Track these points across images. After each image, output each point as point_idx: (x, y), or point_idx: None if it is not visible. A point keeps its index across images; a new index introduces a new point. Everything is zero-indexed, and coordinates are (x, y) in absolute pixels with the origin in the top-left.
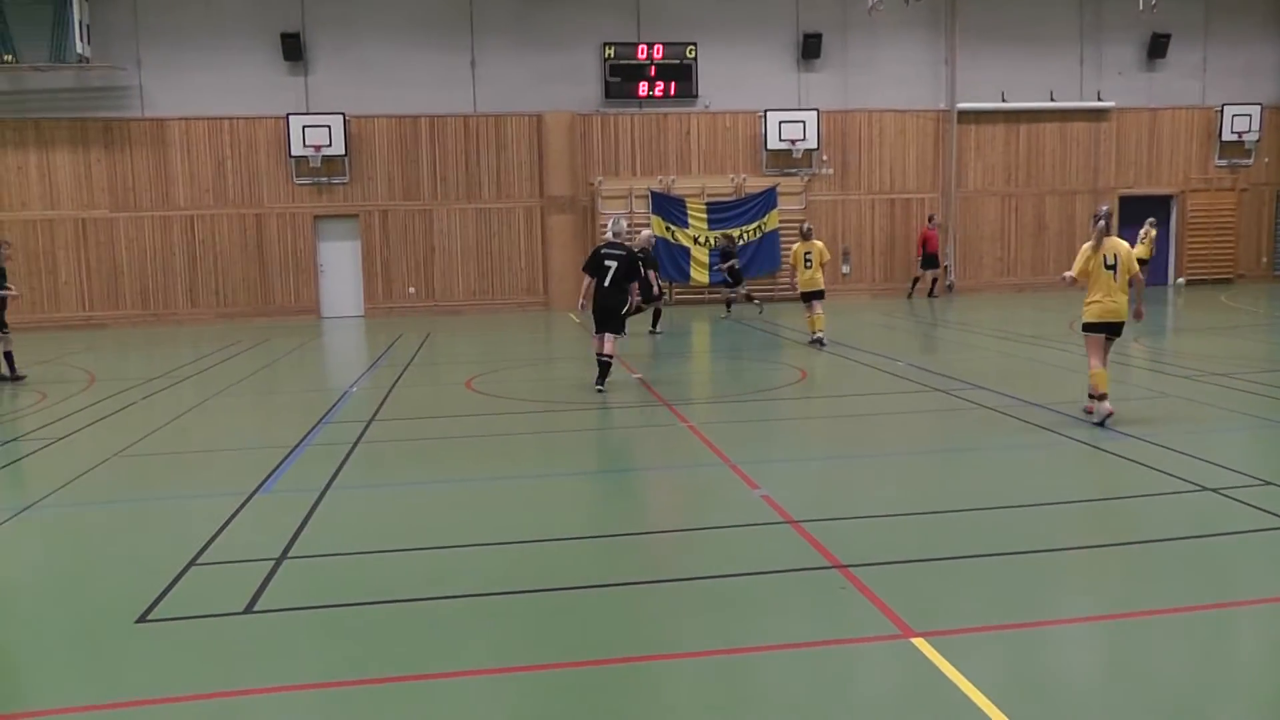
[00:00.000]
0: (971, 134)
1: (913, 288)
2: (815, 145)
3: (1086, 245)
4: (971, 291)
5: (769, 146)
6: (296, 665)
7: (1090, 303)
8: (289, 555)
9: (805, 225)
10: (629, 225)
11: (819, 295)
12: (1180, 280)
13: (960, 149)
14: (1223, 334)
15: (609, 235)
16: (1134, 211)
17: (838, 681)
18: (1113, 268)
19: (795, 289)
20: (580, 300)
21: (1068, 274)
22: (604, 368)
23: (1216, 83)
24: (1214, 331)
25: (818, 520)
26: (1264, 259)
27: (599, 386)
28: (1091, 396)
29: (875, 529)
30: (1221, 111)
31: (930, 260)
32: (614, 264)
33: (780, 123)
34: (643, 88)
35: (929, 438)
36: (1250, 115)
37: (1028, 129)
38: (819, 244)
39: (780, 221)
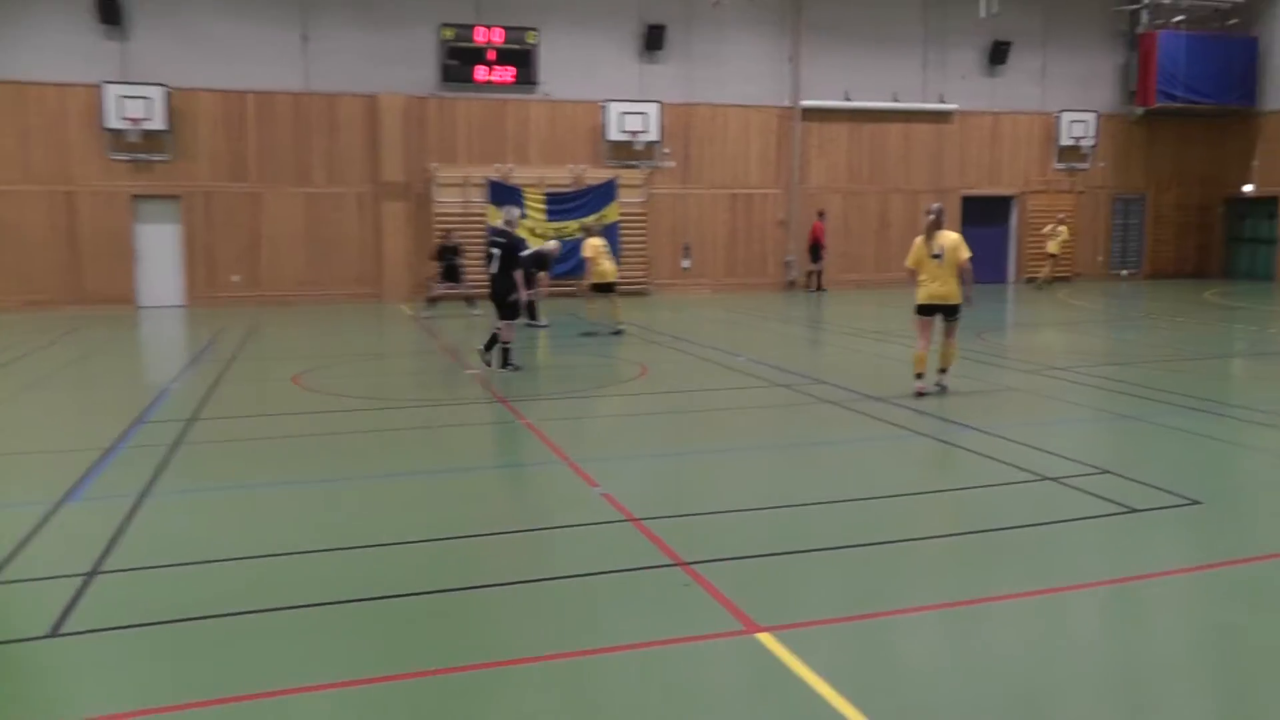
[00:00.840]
0: (815, 132)
1: (814, 282)
2: (657, 138)
3: (919, 238)
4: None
5: (610, 137)
6: (111, 692)
7: (919, 287)
8: (101, 570)
9: (591, 221)
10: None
11: (612, 288)
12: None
13: (804, 146)
14: (1061, 329)
15: (511, 216)
16: (977, 211)
17: (682, 680)
18: (938, 257)
19: (586, 283)
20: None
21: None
22: (493, 339)
23: (1055, 89)
24: (1053, 327)
25: (659, 518)
26: (1100, 258)
27: (482, 352)
28: (918, 378)
29: (718, 525)
30: (1060, 117)
31: (818, 253)
32: (497, 250)
33: (622, 114)
34: (481, 72)
35: (772, 432)
36: (1087, 121)
37: (872, 129)
38: (596, 241)
39: (621, 214)
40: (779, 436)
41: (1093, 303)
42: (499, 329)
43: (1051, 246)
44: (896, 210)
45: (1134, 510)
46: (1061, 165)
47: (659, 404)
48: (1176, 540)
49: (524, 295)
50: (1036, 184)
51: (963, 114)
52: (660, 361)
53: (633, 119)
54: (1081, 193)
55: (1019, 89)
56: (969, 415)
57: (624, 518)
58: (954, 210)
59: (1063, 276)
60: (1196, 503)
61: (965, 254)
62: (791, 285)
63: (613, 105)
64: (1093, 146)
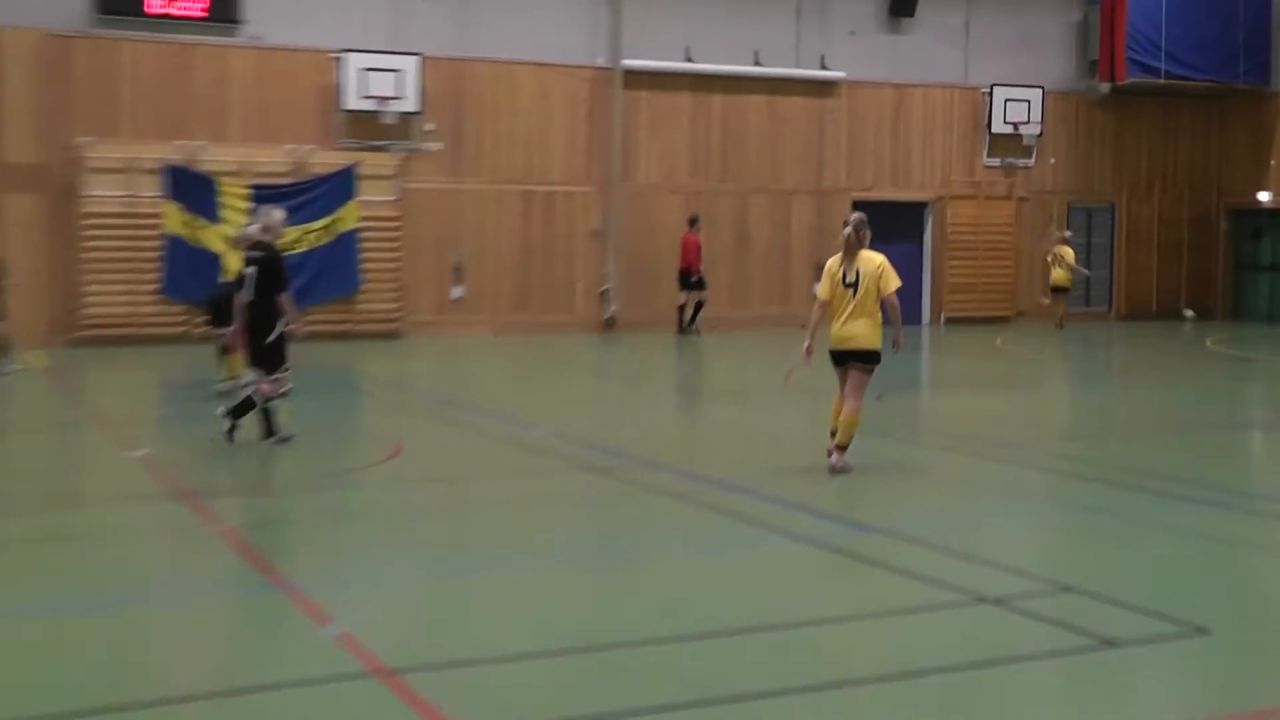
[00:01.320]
0: (644, 104)
1: (681, 320)
2: (416, 107)
3: (832, 260)
4: (643, 327)
5: (347, 105)
6: None
7: (832, 325)
8: None
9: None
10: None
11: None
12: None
13: (628, 124)
14: (999, 389)
15: (252, 228)
16: (877, 224)
17: None
18: (853, 285)
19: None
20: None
21: (816, 289)
22: (245, 406)
23: (984, 55)
24: (984, 387)
25: (421, 669)
26: (1044, 300)
27: (225, 415)
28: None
29: (509, 676)
30: (991, 94)
31: (688, 278)
32: (252, 269)
33: (364, 70)
34: (156, 1)
35: (583, 540)
36: (1029, 101)
37: (724, 102)
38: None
39: (363, 219)
40: (593, 545)
41: (1042, 351)
42: (257, 383)
43: (1057, 276)
44: (760, 218)
45: (1112, 644)
46: (994, 161)
47: (418, 499)
48: (1175, 686)
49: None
50: (960, 186)
51: (853, 85)
52: (420, 436)
53: (380, 79)
54: (1024, 200)
55: (932, 53)
56: (869, 510)
57: (370, 670)
58: (838, 223)
59: (999, 316)
60: (1202, 631)
61: (892, 283)
62: (611, 324)
63: (351, 58)
64: (1038, 136)
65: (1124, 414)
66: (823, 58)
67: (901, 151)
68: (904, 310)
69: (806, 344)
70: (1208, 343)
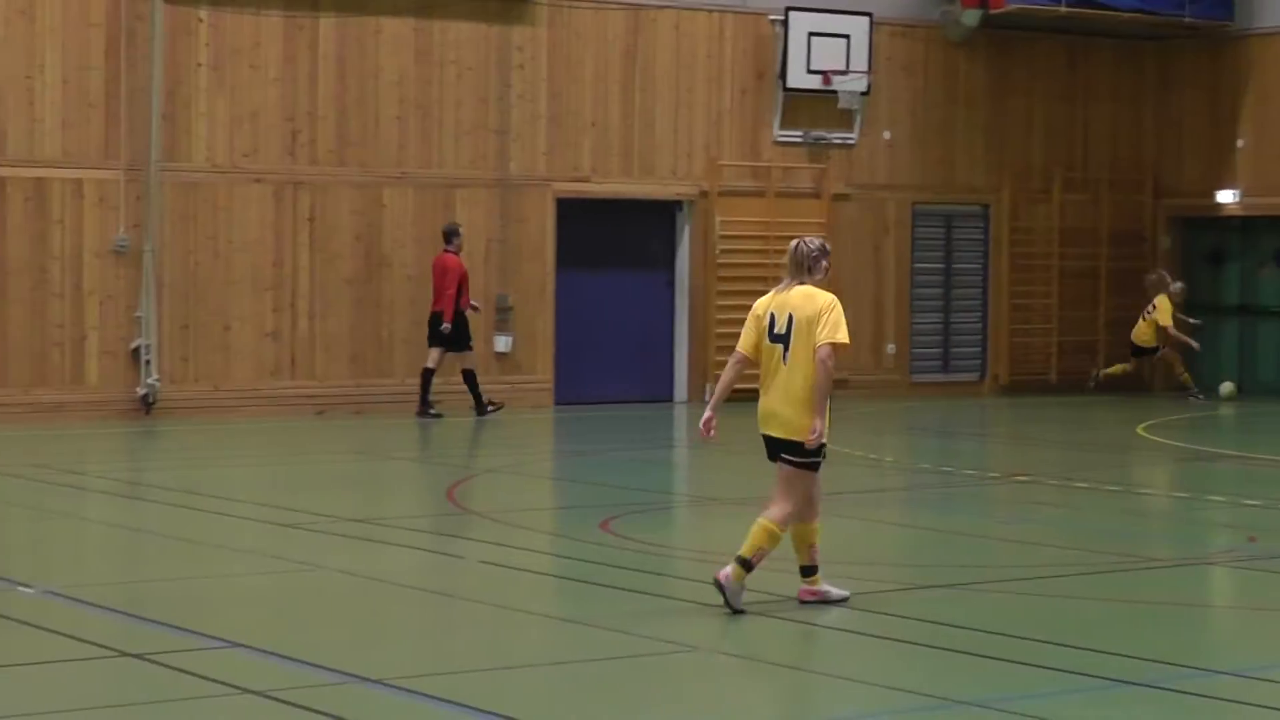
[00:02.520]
0: (202, 31)
1: (423, 397)
2: None
3: (764, 300)
4: (206, 409)
5: None
6: None
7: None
8: None
9: None
10: None
11: None
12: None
13: (176, 66)
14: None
15: None
16: (599, 234)
17: None
18: (781, 339)
19: None
20: None
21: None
22: None
23: None
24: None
25: None
26: (890, 346)
27: None
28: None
29: None
30: (786, 24)
31: (439, 326)
32: None
33: None
34: None
35: None
36: (848, 38)
37: (339, 29)
38: None
39: None
40: None
41: (862, 434)
42: None
43: (1143, 331)
44: (402, 227)
45: None
46: (792, 134)
47: None
48: None
49: None
50: (736, 175)
51: (558, 5)
52: None
53: None
54: (843, 197)
55: None
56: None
57: None
58: (537, 230)
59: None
60: None
61: (835, 334)
62: (149, 404)
63: None
64: (864, 95)
65: (1004, 543)
66: None
67: (639, 118)
68: (644, 377)
69: (706, 414)
70: (1138, 429)
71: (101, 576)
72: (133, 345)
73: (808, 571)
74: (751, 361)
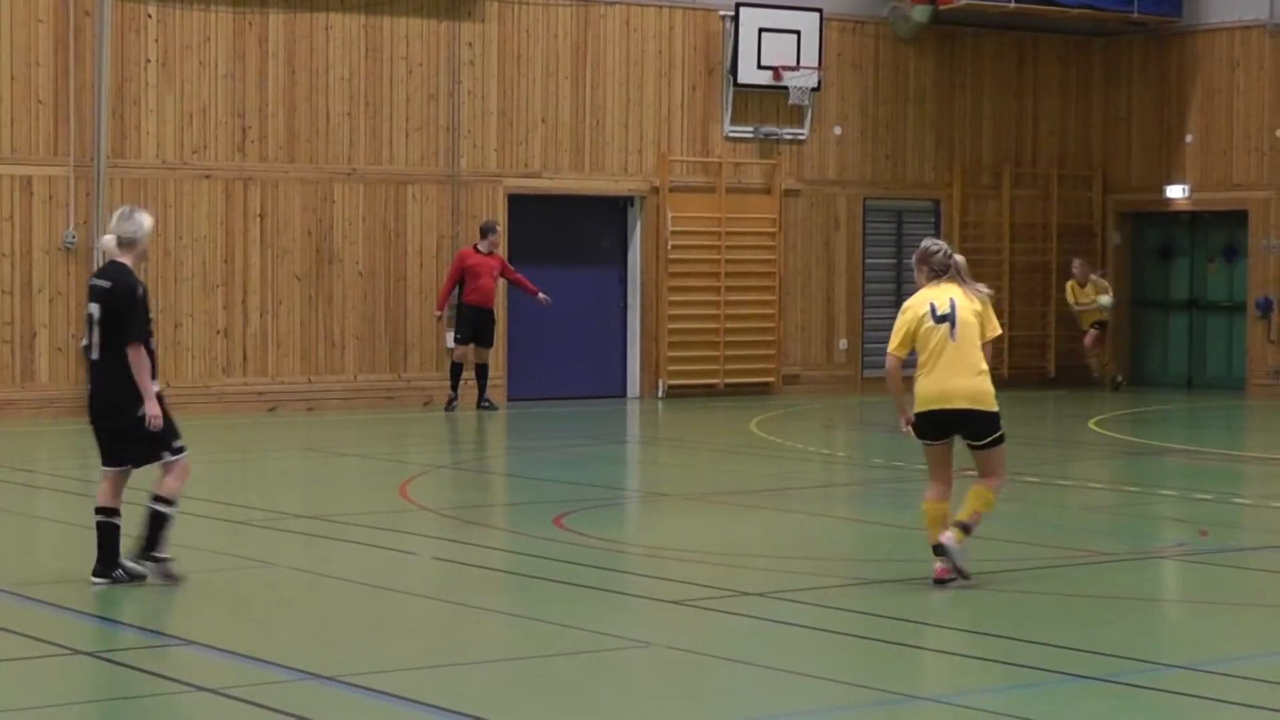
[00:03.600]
0: (150, 26)
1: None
2: None
3: (916, 302)
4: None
5: None
6: None
7: (920, 379)
8: None
9: None
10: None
11: None
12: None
13: (124, 60)
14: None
15: (107, 241)
16: (551, 231)
17: None
18: (947, 317)
19: None
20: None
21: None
22: (157, 519)
23: None
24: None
25: None
26: (841, 342)
27: (98, 578)
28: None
29: None
30: (736, 19)
31: (474, 321)
32: (94, 310)
33: None
34: None
35: None
36: (799, 33)
37: (287, 25)
38: None
39: None
40: None
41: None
42: (157, 500)
43: (1092, 299)
44: (352, 222)
45: None
46: (743, 130)
47: None
48: None
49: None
50: (686, 171)
51: (507, 1)
52: None
53: None
54: (793, 193)
55: None
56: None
57: None
58: (503, 229)
59: (758, 381)
60: None
61: (994, 327)
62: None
63: None
64: (814, 90)
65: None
66: None
67: (589, 114)
68: (597, 373)
69: (904, 416)
70: (1090, 424)
71: (53, 574)
72: (83, 343)
73: (965, 527)
74: (904, 360)
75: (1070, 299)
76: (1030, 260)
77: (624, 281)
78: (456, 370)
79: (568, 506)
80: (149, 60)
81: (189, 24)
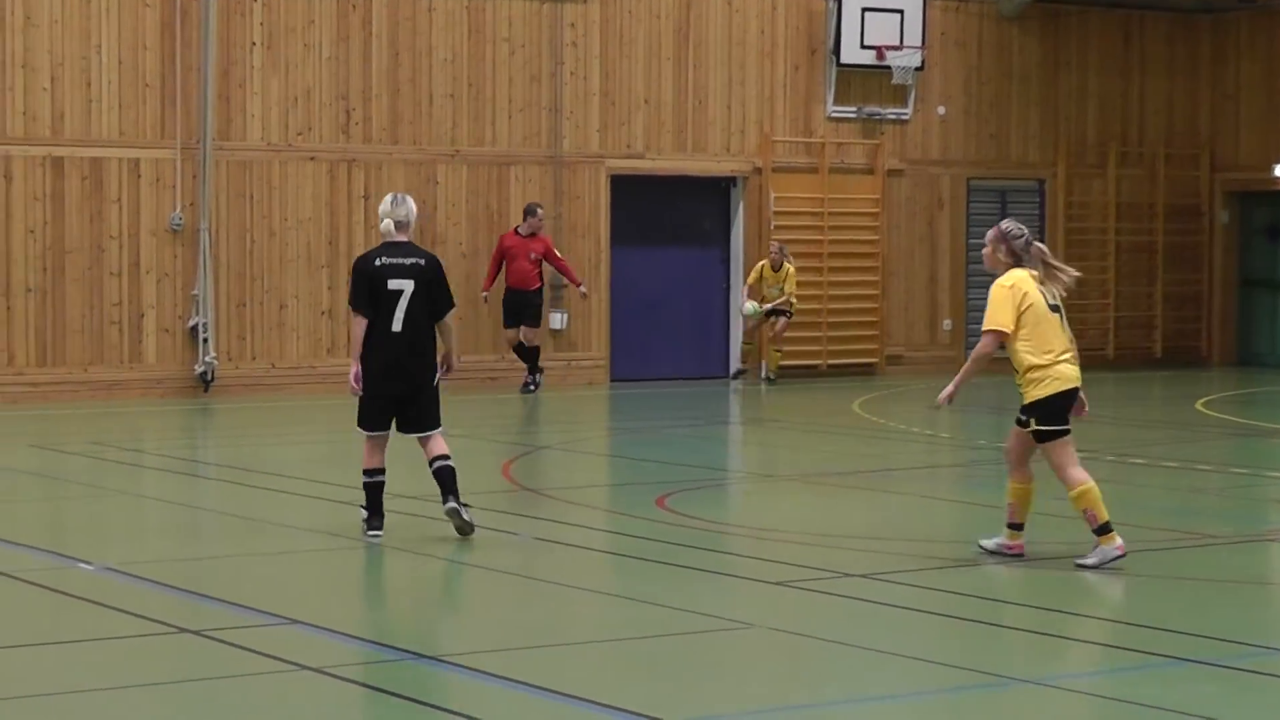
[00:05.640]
0: (254, 10)
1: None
2: None
3: (1018, 277)
4: (265, 387)
5: None
6: None
7: (1045, 369)
8: None
9: None
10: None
11: None
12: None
13: (229, 44)
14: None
15: (386, 225)
16: (653, 209)
17: None
18: (1057, 310)
19: None
20: (351, 376)
21: (998, 328)
22: (449, 477)
23: None
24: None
25: None
26: (945, 322)
27: (458, 510)
28: (1011, 526)
29: None
30: (840, 1)
31: (513, 304)
32: (407, 283)
33: None
34: None
35: None
36: (902, 12)
37: (389, 9)
38: None
39: None
40: None
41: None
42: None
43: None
44: (456, 203)
45: None
46: (847, 110)
47: None
48: None
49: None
50: (789, 152)
51: None
52: None
53: None
54: (898, 172)
55: None
56: None
57: None
58: (588, 207)
59: (862, 363)
60: None
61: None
62: (207, 382)
63: None
64: (918, 70)
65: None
66: None
67: (692, 95)
68: (699, 354)
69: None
70: (1197, 405)
71: (159, 553)
72: (190, 323)
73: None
74: (1005, 337)
75: (756, 281)
76: (1136, 240)
77: (726, 262)
78: (519, 352)
79: (670, 487)
80: (254, 43)
81: (293, 7)
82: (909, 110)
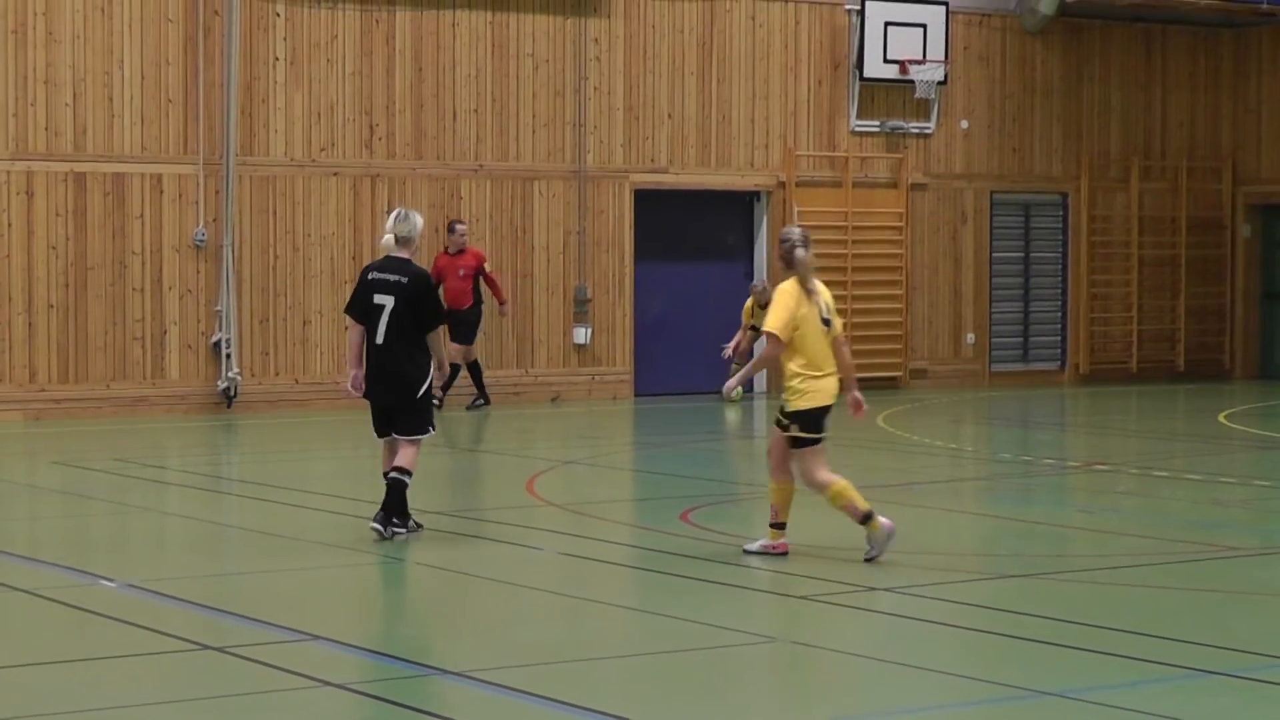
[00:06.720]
0: (279, 25)
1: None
2: None
3: (787, 288)
4: (287, 403)
5: None
6: None
7: (803, 380)
8: None
9: None
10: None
11: None
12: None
13: (253, 60)
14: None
15: (386, 240)
16: (675, 224)
17: None
18: (828, 323)
19: None
20: (350, 377)
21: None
22: (394, 492)
23: None
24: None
25: None
26: (969, 336)
27: (379, 528)
28: (774, 526)
29: None
30: (862, 13)
31: (453, 320)
32: (388, 302)
33: None
34: None
35: None
36: (925, 26)
37: (413, 24)
38: None
39: None
40: None
41: (942, 424)
42: (394, 461)
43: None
44: (479, 217)
45: None
46: (869, 124)
47: None
48: None
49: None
50: (813, 166)
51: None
52: None
53: None
54: (921, 187)
55: None
56: None
57: None
58: (612, 222)
59: (886, 376)
60: None
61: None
62: (230, 398)
63: None
64: (941, 84)
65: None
66: None
67: (715, 109)
68: (723, 369)
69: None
70: (1220, 418)
71: (182, 570)
72: (213, 339)
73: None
74: (779, 343)
75: (746, 319)
76: (1159, 254)
77: (750, 277)
78: (469, 371)
79: (695, 501)
80: (277, 59)
81: (317, 22)
82: (932, 124)
